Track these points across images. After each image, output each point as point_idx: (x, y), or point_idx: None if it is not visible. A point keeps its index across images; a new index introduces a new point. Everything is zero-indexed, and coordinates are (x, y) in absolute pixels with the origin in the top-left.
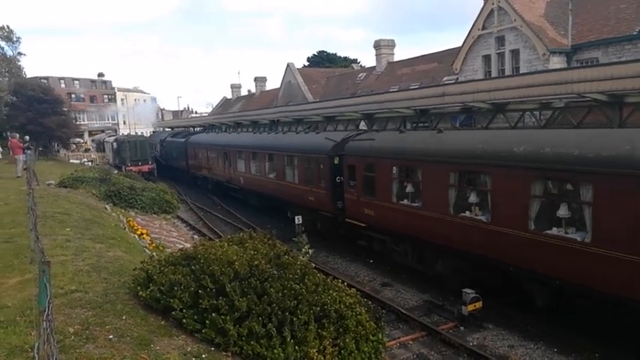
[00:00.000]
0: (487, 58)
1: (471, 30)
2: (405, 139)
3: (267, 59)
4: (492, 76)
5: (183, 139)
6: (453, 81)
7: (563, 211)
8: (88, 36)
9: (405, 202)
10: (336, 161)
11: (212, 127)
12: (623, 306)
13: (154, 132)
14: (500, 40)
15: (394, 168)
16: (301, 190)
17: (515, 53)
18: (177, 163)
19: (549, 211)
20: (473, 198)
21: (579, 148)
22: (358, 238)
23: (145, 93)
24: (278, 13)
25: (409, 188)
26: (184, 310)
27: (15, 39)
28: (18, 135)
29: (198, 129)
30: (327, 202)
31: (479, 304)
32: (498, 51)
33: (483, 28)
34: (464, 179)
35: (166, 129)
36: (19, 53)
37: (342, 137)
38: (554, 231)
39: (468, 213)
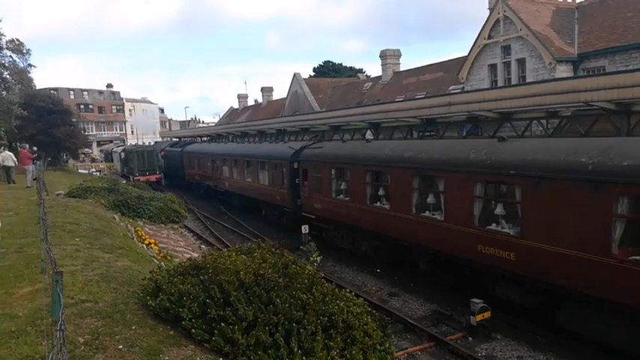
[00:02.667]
0: (493, 68)
1: (476, 39)
2: (342, 148)
3: (270, 71)
4: (498, 85)
5: (179, 149)
6: (459, 90)
7: (430, 199)
8: (89, 52)
9: (341, 197)
10: (296, 166)
11: (219, 136)
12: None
13: (155, 142)
14: (507, 50)
15: (333, 170)
16: (270, 191)
17: (521, 62)
18: (176, 171)
19: (423, 200)
20: (381, 192)
21: (440, 154)
22: (314, 229)
23: (152, 103)
24: (276, 25)
25: (342, 186)
26: (193, 320)
27: (25, 51)
28: (27, 146)
29: (205, 139)
30: (288, 200)
31: (487, 314)
32: (504, 60)
33: (489, 37)
34: (374, 178)
35: (174, 139)
36: (30, 65)
37: (301, 146)
38: (427, 214)
39: (378, 203)
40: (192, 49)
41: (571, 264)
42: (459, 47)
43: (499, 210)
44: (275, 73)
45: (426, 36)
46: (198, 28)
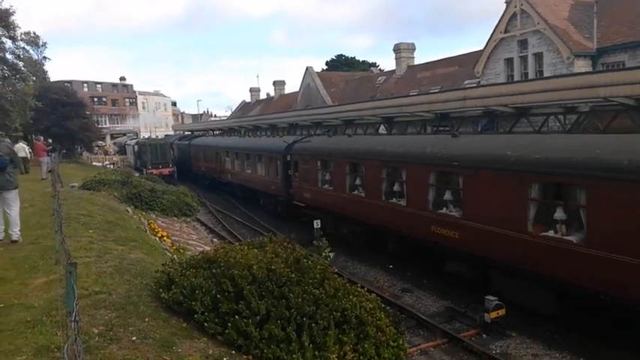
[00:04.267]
0: (509, 62)
1: (493, 33)
2: (327, 142)
3: (278, 66)
4: (515, 79)
5: (187, 142)
6: (474, 84)
7: (396, 187)
8: (94, 45)
9: (326, 186)
10: (288, 158)
11: (231, 130)
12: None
13: (165, 135)
14: (523, 44)
15: (319, 162)
16: (266, 181)
17: (538, 56)
18: (184, 162)
19: (391, 188)
20: (358, 181)
21: (404, 148)
22: (303, 216)
23: (165, 96)
24: (279, 21)
25: (327, 176)
26: (206, 314)
27: (41, 44)
28: (42, 138)
29: (217, 132)
30: (282, 190)
31: (502, 312)
32: (521, 54)
33: (506, 31)
34: (353, 169)
35: (186, 132)
36: (45, 57)
37: (293, 140)
38: (394, 200)
39: (356, 191)
40: (197, 44)
41: (499, 240)
42: (466, 42)
43: (447, 196)
44: (284, 68)
45: (432, 32)
46: (202, 23)
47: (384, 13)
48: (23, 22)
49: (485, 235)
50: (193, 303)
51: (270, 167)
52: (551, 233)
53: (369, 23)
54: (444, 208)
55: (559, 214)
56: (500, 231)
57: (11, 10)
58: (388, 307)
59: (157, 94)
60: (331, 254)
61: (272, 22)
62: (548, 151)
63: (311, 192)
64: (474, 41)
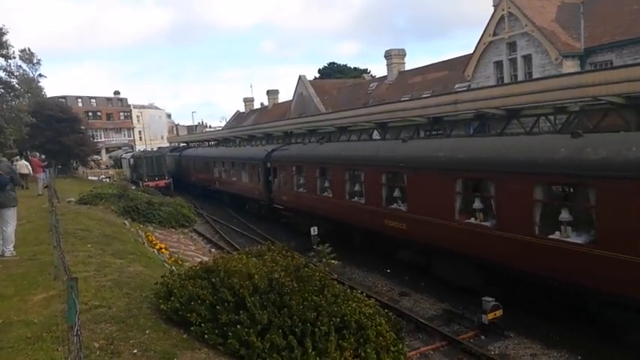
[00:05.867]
0: (499, 65)
1: (481, 37)
2: (301, 149)
3: (270, 74)
4: (505, 82)
5: (178, 154)
6: (465, 88)
7: (357, 188)
8: (92, 61)
9: (300, 189)
10: (269, 165)
11: (226, 140)
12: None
13: (158, 148)
14: (512, 46)
15: (294, 168)
16: (250, 187)
17: (527, 59)
18: (176, 173)
19: (353, 188)
20: (327, 184)
21: (362, 153)
22: (281, 217)
23: (159, 109)
24: (265, 31)
25: (301, 180)
26: (203, 325)
27: (35, 61)
28: (38, 154)
29: (212, 143)
30: (264, 194)
31: (499, 313)
32: (510, 57)
33: (494, 34)
34: (322, 173)
35: (181, 144)
36: (40, 75)
37: (272, 148)
38: (356, 199)
39: (325, 193)
40: (188, 56)
41: (436, 228)
42: (451, 46)
43: (397, 193)
44: (275, 77)
45: (418, 37)
46: (191, 36)
47: (368, 20)
48: (15, 42)
49: (426, 225)
50: (189, 315)
51: (252, 174)
52: (472, 220)
53: (353, 31)
54: (395, 204)
55: (477, 204)
56: (436, 220)
57: (4, 30)
58: (390, 312)
59: (151, 106)
60: (334, 261)
61: (259, 34)
62: (469, 152)
63: (288, 195)
64: (458, 45)
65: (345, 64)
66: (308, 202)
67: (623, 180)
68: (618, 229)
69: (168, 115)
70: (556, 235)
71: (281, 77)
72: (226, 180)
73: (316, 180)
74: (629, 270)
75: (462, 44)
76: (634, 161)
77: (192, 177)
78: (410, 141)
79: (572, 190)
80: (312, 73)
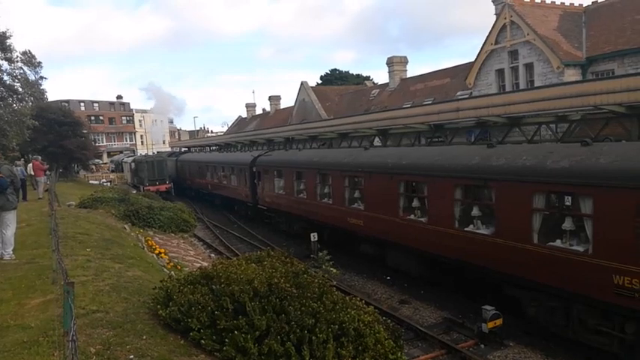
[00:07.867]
0: (501, 73)
1: (483, 45)
2: (282, 155)
3: (271, 80)
4: (506, 90)
5: (175, 158)
6: (466, 96)
7: (326, 190)
8: (94, 66)
9: (281, 192)
10: (254, 169)
11: (228, 145)
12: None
13: (157, 152)
14: (514, 55)
15: (275, 172)
16: (238, 190)
17: (529, 67)
18: (174, 177)
19: (323, 190)
20: (302, 186)
21: (330, 158)
22: (265, 217)
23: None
24: (262, 39)
25: (281, 183)
26: (202, 331)
27: (37, 63)
28: (40, 157)
29: (213, 148)
30: (250, 196)
31: (499, 322)
32: (512, 65)
33: (496, 42)
34: (297, 176)
35: (183, 148)
36: (41, 77)
37: (258, 154)
38: (325, 200)
39: (301, 195)
40: (186, 62)
41: (386, 224)
42: (444, 54)
43: (356, 194)
44: (278, 82)
45: (411, 45)
46: (187, 42)
47: (362, 27)
48: (17, 46)
49: (379, 222)
50: (189, 320)
51: (240, 178)
52: (412, 217)
53: (348, 39)
54: (355, 204)
55: (415, 203)
56: (385, 217)
57: (8, 34)
58: (389, 320)
59: (153, 111)
60: (334, 270)
61: (257, 40)
62: (409, 158)
63: (270, 197)
64: (450, 53)
65: (347, 70)
66: (286, 203)
67: (515, 182)
68: (511, 222)
69: (170, 120)
70: (470, 228)
71: (284, 83)
72: (218, 183)
73: (293, 183)
74: (519, 255)
75: (454, 52)
76: (526, 168)
77: (187, 180)
78: (371, 149)
79: (480, 190)
80: (313, 79)
